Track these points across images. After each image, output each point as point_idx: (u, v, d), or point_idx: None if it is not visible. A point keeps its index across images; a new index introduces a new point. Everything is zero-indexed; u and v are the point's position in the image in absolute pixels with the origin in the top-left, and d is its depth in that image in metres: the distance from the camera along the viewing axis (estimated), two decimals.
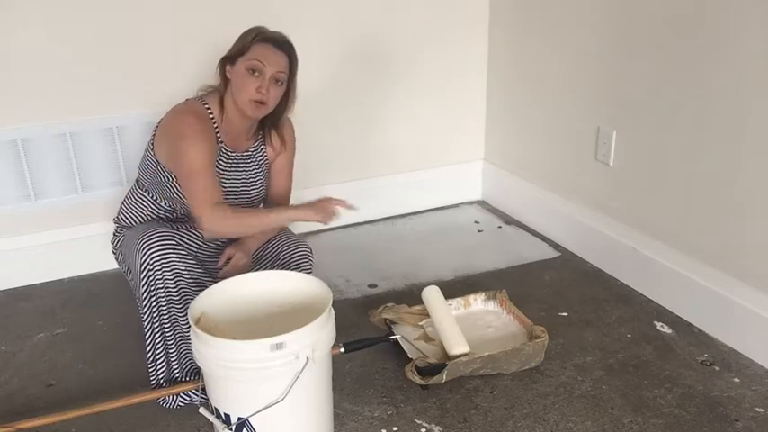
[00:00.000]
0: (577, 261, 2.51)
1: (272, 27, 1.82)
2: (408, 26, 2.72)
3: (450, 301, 2.07)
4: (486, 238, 2.75)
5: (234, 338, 1.43)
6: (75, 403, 1.73)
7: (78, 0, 2.22)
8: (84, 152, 2.37)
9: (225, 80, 1.81)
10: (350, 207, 1.79)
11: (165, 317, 1.71)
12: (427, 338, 1.98)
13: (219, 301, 1.58)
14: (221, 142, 1.83)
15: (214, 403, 1.50)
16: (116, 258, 1.97)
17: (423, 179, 2.96)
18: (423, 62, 2.79)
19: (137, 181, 1.94)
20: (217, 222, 1.71)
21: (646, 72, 2.13)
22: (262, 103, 1.77)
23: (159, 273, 1.67)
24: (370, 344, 1.79)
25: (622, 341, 2.01)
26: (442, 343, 1.88)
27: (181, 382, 1.76)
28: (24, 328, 2.16)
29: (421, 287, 2.06)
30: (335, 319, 1.54)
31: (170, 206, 1.88)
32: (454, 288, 2.27)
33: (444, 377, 1.76)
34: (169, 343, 1.73)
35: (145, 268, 1.66)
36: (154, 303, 1.69)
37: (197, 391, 1.69)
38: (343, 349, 1.69)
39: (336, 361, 1.70)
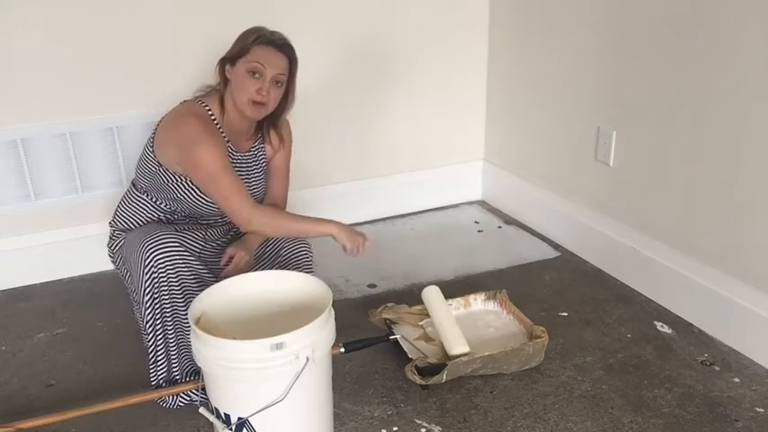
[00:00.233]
0: (577, 261, 2.51)
1: (272, 27, 1.82)
2: (408, 26, 2.72)
3: (451, 301, 2.07)
4: (486, 238, 2.75)
5: (234, 338, 1.43)
6: (75, 403, 1.73)
7: (78, 0, 2.22)
8: (84, 152, 2.37)
9: (224, 80, 1.82)
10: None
11: (168, 318, 1.71)
12: (427, 338, 1.98)
13: (220, 301, 1.58)
14: (228, 142, 1.84)
15: (214, 403, 1.50)
16: (113, 261, 1.97)
17: (423, 179, 2.96)
18: (423, 62, 2.79)
19: (133, 184, 1.93)
20: (267, 222, 1.75)
21: (646, 72, 2.13)
22: (262, 104, 1.77)
23: (163, 274, 1.67)
24: (370, 344, 1.79)
25: (622, 341, 2.01)
26: (442, 343, 1.88)
27: (181, 382, 1.76)
28: (24, 328, 2.16)
29: (421, 287, 2.06)
30: (335, 319, 1.54)
31: (170, 207, 1.88)
32: (454, 288, 2.27)
33: (444, 377, 1.76)
34: (171, 344, 1.73)
35: (149, 270, 1.66)
36: (157, 305, 1.69)
37: (197, 391, 1.69)
38: (343, 349, 1.69)
39: (336, 361, 1.70)
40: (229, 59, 1.79)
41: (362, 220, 2.89)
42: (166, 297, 1.69)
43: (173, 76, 2.35)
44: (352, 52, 2.66)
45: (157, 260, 1.66)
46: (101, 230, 2.41)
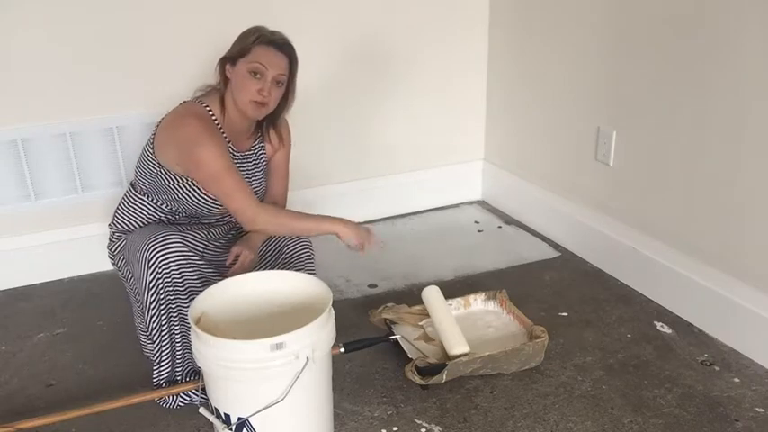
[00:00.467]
0: (577, 261, 2.51)
1: (272, 27, 1.82)
2: (408, 26, 2.72)
3: (451, 301, 2.07)
4: (486, 238, 2.75)
5: (234, 338, 1.43)
6: (75, 403, 1.73)
7: (78, 0, 2.22)
8: (84, 152, 2.37)
9: (225, 80, 1.82)
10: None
11: (174, 318, 1.71)
12: (427, 338, 1.98)
13: (220, 301, 1.58)
14: (229, 142, 1.84)
15: (214, 403, 1.50)
16: (114, 264, 1.96)
17: (423, 179, 2.96)
18: (423, 62, 2.79)
19: (132, 185, 1.93)
20: (271, 220, 1.75)
21: (646, 72, 2.13)
22: (263, 104, 1.78)
23: (168, 274, 1.67)
24: (370, 344, 1.79)
25: (622, 341, 2.01)
26: (442, 343, 1.88)
27: (181, 382, 1.76)
28: (24, 328, 2.16)
29: (421, 287, 2.06)
30: (335, 319, 1.54)
31: (171, 208, 1.88)
32: (454, 288, 2.27)
33: (444, 377, 1.76)
34: (177, 344, 1.74)
35: (153, 271, 1.66)
36: (162, 305, 1.69)
37: (197, 391, 1.69)
38: (343, 349, 1.69)
39: (336, 361, 1.70)
40: (230, 59, 1.79)
41: (362, 220, 2.89)
42: (171, 297, 1.69)
43: (173, 76, 2.35)
44: (351, 52, 2.66)
45: (162, 261, 1.66)
46: (101, 230, 2.41)
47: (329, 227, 1.80)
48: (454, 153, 3.00)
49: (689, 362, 1.91)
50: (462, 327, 1.91)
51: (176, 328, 1.73)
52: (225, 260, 1.88)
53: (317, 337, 1.44)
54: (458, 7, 2.78)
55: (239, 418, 1.45)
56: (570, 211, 2.57)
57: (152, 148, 1.83)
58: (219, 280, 1.70)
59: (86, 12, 2.24)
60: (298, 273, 1.69)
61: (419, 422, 1.70)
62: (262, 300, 1.64)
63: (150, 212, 1.88)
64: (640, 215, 2.25)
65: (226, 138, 1.83)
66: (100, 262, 2.45)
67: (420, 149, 2.92)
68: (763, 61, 1.76)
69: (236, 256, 1.87)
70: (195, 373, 1.76)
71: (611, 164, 2.33)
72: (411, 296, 2.24)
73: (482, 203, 3.08)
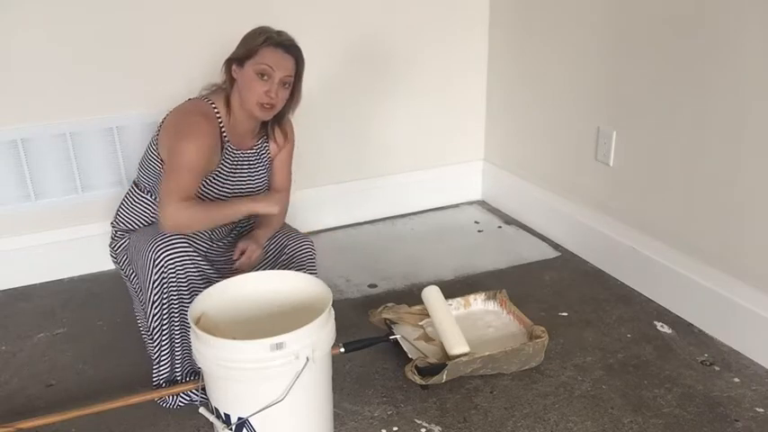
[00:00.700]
0: (577, 261, 2.51)
1: (272, 27, 1.82)
2: (408, 26, 2.72)
3: (451, 301, 2.07)
4: (486, 238, 2.75)
5: (234, 338, 1.43)
6: (75, 403, 1.73)
7: (78, 0, 2.22)
8: (84, 152, 2.37)
9: (231, 80, 1.82)
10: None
11: (176, 317, 1.72)
12: (427, 338, 1.98)
13: (220, 301, 1.58)
14: (227, 141, 1.84)
15: (214, 403, 1.50)
16: (115, 262, 1.96)
17: (423, 179, 2.96)
18: (423, 62, 2.79)
19: (135, 184, 1.93)
20: (176, 213, 1.69)
21: (646, 72, 2.13)
22: (270, 105, 1.79)
23: (173, 274, 1.67)
24: (370, 344, 1.79)
25: (622, 341, 2.01)
26: (442, 343, 1.88)
27: (181, 382, 1.76)
28: (24, 328, 2.16)
29: (421, 287, 2.06)
30: (335, 319, 1.54)
31: None
32: (454, 288, 2.27)
33: (444, 377, 1.76)
34: (176, 344, 1.74)
35: (158, 270, 1.66)
36: (165, 304, 1.70)
37: (197, 391, 1.69)
38: (343, 349, 1.69)
39: (336, 361, 1.70)
40: (236, 60, 1.79)
41: (362, 220, 2.89)
42: (175, 297, 1.69)
43: (173, 76, 2.35)
44: (352, 52, 2.66)
45: (167, 260, 1.66)
46: (101, 230, 2.41)
47: (248, 207, 1.80)
48: (454, 153, 3.00)
49: (689, 362, 1.91)
50: (462, 327, 1.91)
51: (177, 327, 1.73)
52: (227, 260, 1.88)
53: (317, 337, 1.44)
54: (458, 7, 2.78)
55: (239, 418, 1.45)
56: (570, 211, 2.57)
57: (156, 146, 1.84)
58: (219, 281, 1.71)
59: (86, 12, 2.24)
60: (298, 273, 1.69)
61: (419, 422, 1.70)
62: (262, 300, 1.64)
63: (153, 211, 1.88)
64: (640, 215, 2.25)
65: (226, 137, 1.83)
66: (100, 262, 2.46)
67: (420, 149, 2.92)
68: (763, 61, 1.76)
69: (242, 252, 1.87)
70: (195, 374, 1.76)
71: (611, 164, 2.33)
72: (411, 296, 2.24)
73: (482, 203, 3.08)
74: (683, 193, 2.07)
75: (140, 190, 1.90)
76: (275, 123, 1.93)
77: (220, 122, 1.81)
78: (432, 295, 1.99)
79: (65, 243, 2.43)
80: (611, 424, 1.68)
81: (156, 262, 1.66)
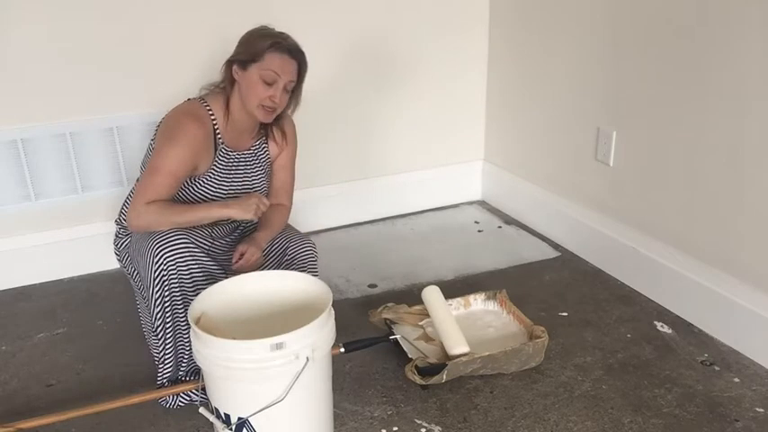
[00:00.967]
0: (577, 261, 2.51)
1: (272, 27, 1.82)
2: (408, 26, 2.72)
3: (450, 301, 2.07)
4: (486, 238, 2.75)
5: (234, 338, 1.43)
6: (75, 403, 1.73)
7: (78, 0, 2.22)
8: (84, 152, 2.37)
9: (231, 81, 1.81)
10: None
11: (180, 315, 1.72)
12: (427, 338, 1.98)
13: (219, 301, 1.58)
14: (222, 143, 1.84)
15: (214, 403, 1.50)
16: (119, 260, 1.97)
17: (423, 179, 2.96)
18: (423, 62, 2.79)
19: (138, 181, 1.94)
20: (140, 213, 1.69)
21: (646, 72, 2.13)
22: (273, 109, 1.79)
23: (174, 271, 1.67)
24: (370, 344, 1.79)
25: (622, 341, 2.01)
26: (442, 343, 1.88)
27: (182, 381, 1.76)
28: (24, 328, 2.16)
29: (421, 287, 2.06)
30: (335, 319, 1.54)
31: None
32: (454, 288, 2.27)
33: (444, 377, 1.76)
34: (179, 342, 1.74)
35: (159, 268, 1.66)
36: (167, 302, 1.70)
37: (197, 391, 1.69)
38: (343, 349, 1.69)
39: (336, 361, 1.70)
40: (240, 62, 1.78)
41: (362, 220, 2.89)
42: (177, 294, 1.69)
43: (173, 76, 2.35)
44: (352, 53, 2.66)
45: (167, 257, 1.66)
46: (101, 230, 2.42)
47: (219, 212, 1.76)
48: (454, 153, 3.00)
49: (689, 362, 1.91)
50: (462, 327, 1.91)
51: (182, 325, 1.73)
52: (229, 258, 1.88)
53: (317, 337, 1.44)
54: (458, 7, 2.78)
55: (239, 418, 1.45)
56: (570, 211, 2.57)
57: (153, 145, 1.84)
58: (224, 277, 1.71)
59: (86, 12, 2.24)
60: (298, 273, 1.69)
61: (419, 422, 1.70)
62: (262, 300, 1.64)
63: None
64: (640, 215, 2.25)
65: (220, 139, 1.83)
66: (100, 262, 2.46)
67: (420, 149, 2.92)
68: (763, 61, 1.76)
69: (242, 254, 1.87)
70: (197, 373, 1.76)
71: (611, 164, 2.33)
72: (411, 296, 2.24)
73: (482, 203, 3.08)
74: (684, 193, 2.07)
75: None
76: (274, 123, 1.93)
77: (215, 124, 1.81)
78: (432, 295, 1.99)
79: (65, 243, 2.43)
80: (611, 424, 1.68)
81: (156, 260, 1.66)
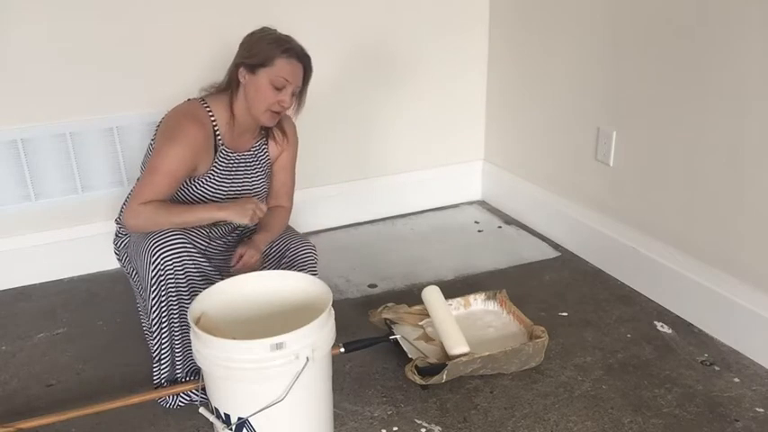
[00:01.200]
0: (577, 261, 2.51)
1: (273, 29, 1.82)
2: (408, 26, 2.72)
3: (451, 301, 2.07)
4: (486, 238, 2.75)
5: (234, 338, 1.43)
6: (75, 403, 1.73)
7: (78, 0, 2.22)
8: (84, 152, 2.37)
9: (236, 83, 1.81)
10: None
11: (175, 315, 1.72)
12: (427, 338, 1.98)
13: (219, 301, 1.58)
14: (222, 144, 1.84)
15: (214, 403, 1.50)
16: (119, 259, 1.97)
17: (423, 179, 2.96)
18: (423, 62, 2.79)
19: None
20: (136, 213, 1.69)
21: (646, 72, 2.13)
22: (279, 114, 1.81)
23: (171, 271, 1.67)
24: (370, 344, 1.79)
25: (622, 341, 2.01)
26: (442, 343, 1.88)
27: (181, 381, 1.76)
28: (24, 328, 2.16)
29: (421, 287, 2.06)
30: (335, 319, 1.54)
31: None
32: (454, 288, 2.27)
33: (444, 377, 1.76)
34: (176, 342, 1.74)
35: (155, 268, 1.67)
36: (164, 302, 1.70)
37: (197, 391, 1.69)
38: (343, 349, 1.69)
39: (336, 361, 1.70)
40: (248, 66, 1.78)
41: (362, 220, 2.89)
42: (173, 294, 1.69)
43: (173, 76, 2.35)
44: (352, 53, 2.66)
45: (164, 257, 1.66)
46: (101, 230, 2.42)
47: (216, 214, 1.76)
48: (454, 153, 3.00)
49: (689, 362, 1.91)
50: (462, 327, 1.91)
51: (177, 326, 1.73)
52: (226, 259, 1.88)
53: (317, 337, 1.44)
54: (458, 7, 2.78)
55: (239, 418, 1.45)
56: (570, 211, 2.57)
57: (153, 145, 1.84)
58: (220, 279, 1.71)
59: (86, 12, 2.24)
60: (298, 273, 1.69)
61: (419, 422, 1.70)
62: (262, 300, 1.64)
63: None
64: (640, 215, 2.25)
65: (220, 140, 1.83)
66: (100, 262, 2.46)
67: (420, 149, 2.92)
68: (763, 61, 1.76)
69: (241, 256, 1.87)
70: (197, 373, 1.76)
71: (611, 164, 2.33)
72: (411, 296, 2.24)
73: (482, 203, 3.08)
74: (683, 193, 2.07)
75: None
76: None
77: (215, 125, 1.81)
78: (432, 295, 1.99)
79: (65, 243, 2.43)
80: (611, 424, 1.68)
81: (154, 260, 1.66)
